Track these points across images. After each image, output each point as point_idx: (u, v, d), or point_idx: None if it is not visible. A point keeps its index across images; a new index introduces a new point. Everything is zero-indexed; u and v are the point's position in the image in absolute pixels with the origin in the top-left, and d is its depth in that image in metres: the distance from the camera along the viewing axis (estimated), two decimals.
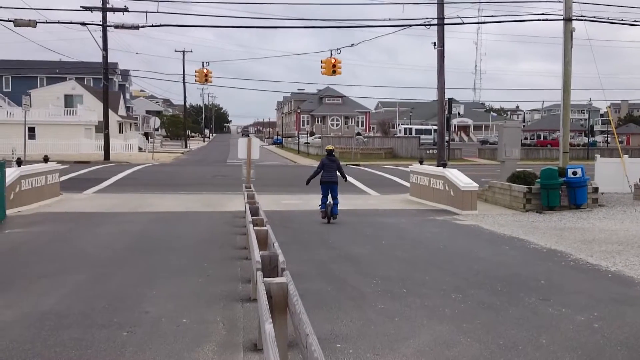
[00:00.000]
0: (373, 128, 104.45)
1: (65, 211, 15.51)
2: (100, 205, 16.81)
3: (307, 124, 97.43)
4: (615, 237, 11.83)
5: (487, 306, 6.89)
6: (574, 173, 15.98)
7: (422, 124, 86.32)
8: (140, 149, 53.64)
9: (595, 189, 17.09)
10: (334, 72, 26.40)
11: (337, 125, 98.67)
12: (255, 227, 7.39)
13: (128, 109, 75.55)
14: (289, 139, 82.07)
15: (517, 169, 17.80)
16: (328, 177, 13.93)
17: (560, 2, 19.32)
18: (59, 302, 6.91)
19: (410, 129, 74.05)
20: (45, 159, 18.40)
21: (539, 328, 6.09)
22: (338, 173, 14.02)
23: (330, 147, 14.77)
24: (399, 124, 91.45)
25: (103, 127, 39.72)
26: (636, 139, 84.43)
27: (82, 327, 5.97)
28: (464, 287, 7.79)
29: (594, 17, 21.23)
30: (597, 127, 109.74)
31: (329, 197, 13.88)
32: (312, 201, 18.20)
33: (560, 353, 5.43)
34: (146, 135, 63.40)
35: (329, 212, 13.70)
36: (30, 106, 32.35)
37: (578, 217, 14.96)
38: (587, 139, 65.16)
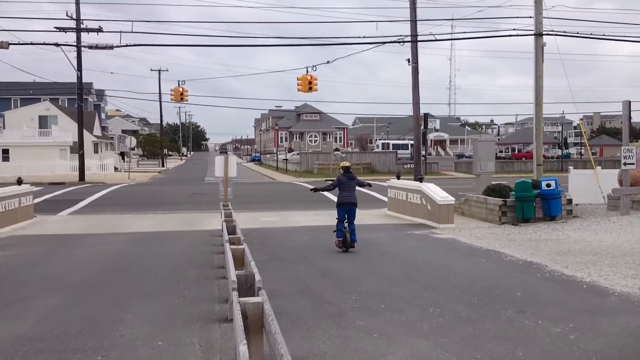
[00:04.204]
0: (351, 143, 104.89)
1: (39, 234, 15.27)
2: (75, 227, 16.57)
3: (286, 140, 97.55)
4: (589, 248, 11.99)
5: (464, 320, 6.93)
6: (548, 185, 16.21)
7: (399, 139, 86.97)
8: (116, 168, 53.17)
9: (570, 201, 17.34)
10: (310, 89, 26.49)
11: (315, 141, 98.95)
12: (232, 246, 7.35)
13: (103, 128, 74.98)
14: (268, 155, 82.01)
15: (493, 182, 18.02)
16: (347, 197, 12.15)
17: (531, 17, 19.71)
18: (33, 326, 6.78)
19: (388, 144, 74.55)
20: (19, 181, 18.11)
21: (515, 341, 6.13)
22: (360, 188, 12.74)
23: (346, 163, 12.93)
24: (376, 139, 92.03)
25: (78, 148, 39.30)
26: (609, 150, 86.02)
27: (56, 352, 5.87)
28: (441, 301, 7.82)
29: (564, 32, 21.71)
30: (570, 140, 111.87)
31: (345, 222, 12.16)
32: (291, 218, 18.21)
33: None
34: (122, 154, 62.93)
35: (349, 240, 11.87)
36: (4, 128, 31.88)
37: (553, 228, 15.15)
38: (560, 151, 66.27)
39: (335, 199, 12.80)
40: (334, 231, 12.24)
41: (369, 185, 13.79)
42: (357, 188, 12.49)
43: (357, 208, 12.29)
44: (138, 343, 6.14)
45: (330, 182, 12.90)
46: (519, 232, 14.74)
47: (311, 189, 13.65)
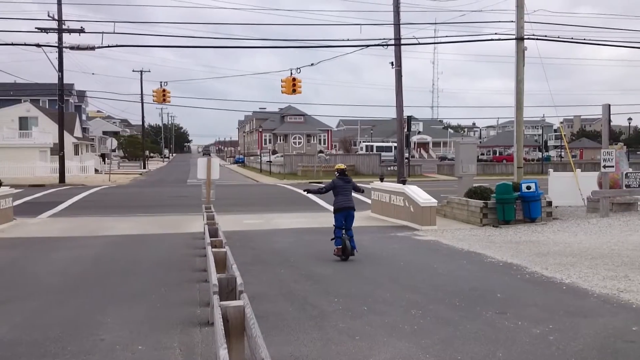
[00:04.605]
0: (335, 146, 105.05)
1: (19, 236, 15.06)
2: (55, 229, 16.38)
3: (269, 142, 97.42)
4: (569, 250, 12.13)
5: (445, 321, 6.97)
6: (528, 187, 16.37)
7: (383, 141, 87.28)
8: (97, 170, 52.74)
9: (549, 203, 17.53)
10: (294, 91, 26.54)
11: (299, 143, 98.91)
12: (214, 249, 7.32)
13: (84, 130, 74.31)
14: (251, 157, 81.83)
15: (474, 185, 18.15)
16: (345, 201, 11.43)
17: (512, 22, 19.92)
18: (11, 330, 6.70)
19: (372, 146, 74.68)
20: None
21: (496, 342, 6.18)
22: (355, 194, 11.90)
23: (341, 165, 12.06)
24: (360, 142, 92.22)
25: (58, 150, 38.88)
26: (589, 153, 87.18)
27: (35, 357, 5.80)
28: (423, 302, 7.86)
29: (545, 36, 21.99)
30: (551, 142, 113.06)
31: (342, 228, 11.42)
32: (274, 220, 18.17)
33: None
34: (103, 156, 62.43)
35: (349, 248, 11.18)
36: None
37: (533, 230, 15.30)
38: (541, 154, 66.96)
39: (320, 201, 12.69)
40: (332, 239, 11.48)
41: (363, 191, 12.88)
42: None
43: (354, 212, 11.63)
44: (118, 347, 6.09)
45: (323, 185, 11.91)
46: (499, 233, 14.86)
47: (304, 190, 12.76)
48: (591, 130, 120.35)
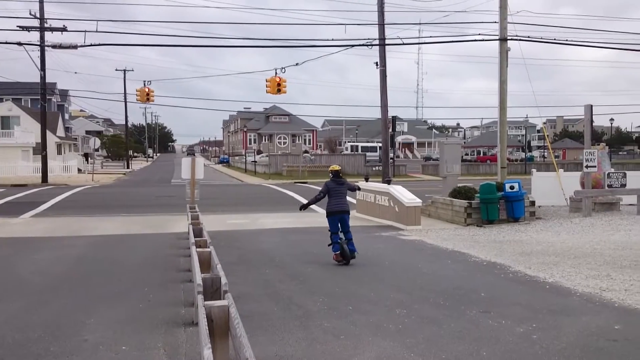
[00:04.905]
0: (320, 146, 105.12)
1: (0, 237, 14.86)
2: (37, 229, 16.20)
3: (254, 142, 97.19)
4: (552, 249, 12.24)
5: (430, 320, 7.00)
6: (511, 187, 16.50)
7: (368, 142, 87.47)
8: (79, 170, 52.26)
9: (533, 203, 17.68)
10: (279, 91, 26.49)
11: (284, 143, 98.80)
12: (198, 249, 7.29)
13: (67, 129, 73.61)
14: (236, 157, 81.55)
15: (458, 185, 18.26)
16: (338, 205, 11.04)
17: (496, 22, 20.06)
18: None
19: (357, 146, 74.71)
20: None
21: (479, 341, 6.22)
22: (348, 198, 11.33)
23: (335, 167, 11.58)
24: (345, 142, 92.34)
25: (41, 149, 38.45)
26: (571, 153, 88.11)
27: (17, 357, 5.73)
28: (408, 302, 7.89)
29: (528, 37, 22.17)
30: (534, 143, 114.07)
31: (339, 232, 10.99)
32: (259, 220, 18.13)
33: None
34: (86, 156, 61.93)
35: (347, 252, 10.70)
36: None
37: (516, 230, 15.43)
38: (524, 154, 67.57)
39: (305, 202, 12.56)
40: (329, 244, 11.00)
41: (359, 188, 12.61)
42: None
43: (349, 215, 11.19)
44: (101, 348, 6.04)
45: (319, 190, 11.48)
46: (483, 233, 14.96)
47: (300, 208, 12.00)
48: (574, 131, 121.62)
